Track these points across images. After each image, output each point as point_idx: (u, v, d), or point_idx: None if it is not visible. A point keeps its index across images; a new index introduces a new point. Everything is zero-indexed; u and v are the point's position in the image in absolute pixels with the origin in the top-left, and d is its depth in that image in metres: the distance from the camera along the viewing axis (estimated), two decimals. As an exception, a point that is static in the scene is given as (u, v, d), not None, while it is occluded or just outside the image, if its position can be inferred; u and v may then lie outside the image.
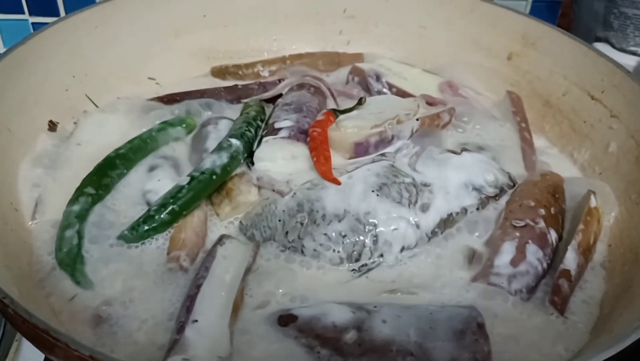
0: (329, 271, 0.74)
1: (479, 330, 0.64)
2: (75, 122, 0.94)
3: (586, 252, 0.76)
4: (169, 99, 0.99)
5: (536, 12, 1.32)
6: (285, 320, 0.67)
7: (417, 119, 0.89)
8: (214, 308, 0.66)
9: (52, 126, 0.91)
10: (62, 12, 1.32)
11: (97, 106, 0.98)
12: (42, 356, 0.74)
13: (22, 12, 1.32)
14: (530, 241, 0.75)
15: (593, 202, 0.80)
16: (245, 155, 0.85)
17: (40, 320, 0.49)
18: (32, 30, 1.34)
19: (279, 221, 0.77)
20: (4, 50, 0.85)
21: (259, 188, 0.82)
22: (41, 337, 0.49)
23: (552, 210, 0.80)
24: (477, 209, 0.81)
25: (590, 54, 0.95)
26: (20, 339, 0.83)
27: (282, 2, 1.15)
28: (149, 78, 1.06)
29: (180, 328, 0.63)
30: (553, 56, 1.01)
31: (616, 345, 0.51)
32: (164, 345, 0.64)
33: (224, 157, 0.81)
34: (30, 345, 0.78)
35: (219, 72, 1.11)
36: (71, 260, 0.71)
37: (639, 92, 0.86)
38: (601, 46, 1.18)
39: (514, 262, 0.73)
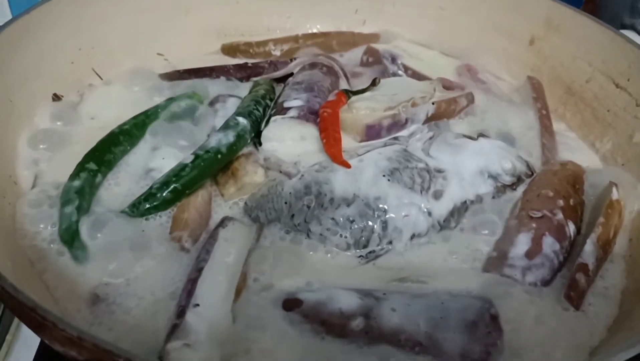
0: (336, 256, 0.71)
1: (492, 322, 0.61)
2: (80, 96, 0.91)
3: (605, 246, 0.72)
4: (177, 76, 0.96)
5: (560, -4, 1.27)
6: (290, 304, 0.64)
7: (433, 103, 0.86)
8: (216, 292, 0.64)
9: (57, 98, 0.89)
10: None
11: (102, 79, 0.95)
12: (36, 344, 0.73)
13: (32, -16, 1.29)
14: (547, 233, 0.71)
15: (615, 194, 0.76)
16: (253, 134, 0.82)
17: (27, 296, 0.47)
18: (41, 3, 1.31)
19: (285, 203, 0.74)
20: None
21: (266, 168, 0.79)
22: (28, 315, 0.47)
23: (571, 201, 0.76)
24: (493, 197, 0.77)
25: (617, 40, 0.91)
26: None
27: (297, -21, 1.12)
28: (158, 54, 1.03)
29: (181, 313, 0.60)
30: (577, 41, 0.97)
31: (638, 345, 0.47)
32: (163, 326, 0.61)
33: (230, 136, 0.78)
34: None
35: (230, 49, 1.08)
36: (70, 237, 0.69)
37: (667, 81, 0.82)
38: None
39: (529, 254, 0.70)
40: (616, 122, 0.90)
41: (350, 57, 1.05)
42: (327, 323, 0.62)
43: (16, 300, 0.47)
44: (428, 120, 0.86)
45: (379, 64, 1.00)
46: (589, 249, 0.69)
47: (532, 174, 0.81)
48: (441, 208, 0.74)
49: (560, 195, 0.76)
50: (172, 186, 0.73)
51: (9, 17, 1.29)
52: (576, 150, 0.92)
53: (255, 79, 0.96)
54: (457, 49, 1.07)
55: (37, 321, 0.46)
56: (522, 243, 0.70)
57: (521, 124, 0.91)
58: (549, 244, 0.70)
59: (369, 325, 0.61)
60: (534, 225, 0.72)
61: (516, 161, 0.80)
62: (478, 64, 1.03)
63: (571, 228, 0.73)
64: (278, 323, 0.63)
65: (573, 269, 0.68)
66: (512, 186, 0.79)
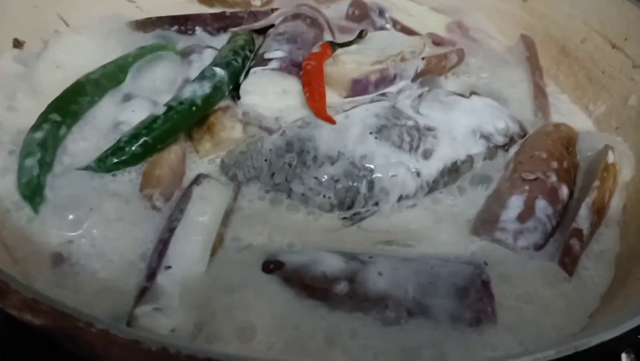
0: (319, 217, 0.67)
1: (484, 288, 0.58)
2: (45, 43, 0.84)
3: (600, 210, 0.69)
4: (149, 24, 0.90)
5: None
6: (271, 266, 0.60)
7: (423, 58, 0.81)
8: (190, 253, 0.59)
9: (18, 44, 0.82)
10: None
11: (68, 25, 0.88)
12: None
13: None
14: (540, 196, 0.68)
15: (611, 157, 0.73)
16: (231, 87, 0.76)
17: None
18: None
19: (265, 160, 0.69)
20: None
21: (245, 124, 0.75)
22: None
23: (565, 164, 0.73)
24: (484, 158, 0.73)
25: (616, -2, 0.87)
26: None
27: None
28: (129, 0, 0.96)
29: (151, 275, 0.56)
30: (573, -1, 0.93)
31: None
32: (133, 289, 0.57)
33: (206, 87, 0.72)
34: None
35: (207, -3, 1.01)
36: (31, 191, 0.64)
37: (667, 41, 0.79)
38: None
39: (522, 218, 0.66)
40: (611, 84, 0.87)
41: (336, 10, 0.99)
42: (310, 287, 0.58)
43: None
44: (417, 76, 0.81)
45: (366, 17, 0.94)
46: (584, 214, 0.67)
47: (525, 134, 0.78)
48: (430, 168, 0.70)
49: (554, 157, 0.72)
50: (142, 140, 0.68)
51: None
52: (568, 113, 0.89)
53: (233, 29, 0.90)
54: (447, 6, 1.03)
55: (-13, 282, 0.41)
56: (515, 205, 0.67)
57: (513, 84, 0.88)
58: (542, 207, 0.67)
59: (354, 290, 0.58)
60: (526, 188, 0.69)
61: (509, 121, 0.76)
62: (470, 21, 0.99)
63: (564, 191, 0.70)
64: (257, 285, 0.59)
65: (567, 235, 0.65)
66: (505, 147, 0.75)
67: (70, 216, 0.63)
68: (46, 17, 0.87)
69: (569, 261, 0.63)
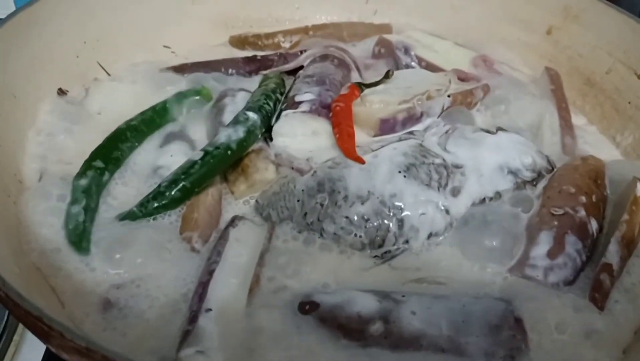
0: (351, 256, 0.69)
1: (517, 325, 0.59)
2: (85, 90, 0.89)
3: (630, 244, 0.70)
4: (185, 69, 0.94)
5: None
6: (307, 307, 0.62)
7: (449, 96, 0.83)
8: (228, 296, 0.62)
9: (62, 93, 0.87)
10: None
11: (108, 74, 0.93)
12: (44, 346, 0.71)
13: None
14: (569, 231, 0.69)
15: (639, 190, 0.73)
16: (263, 130, 0.79)
17: (32, 305, 0.45)
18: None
19: (298, 201, 0.71)
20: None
21: (277, 165, 0.77)
22: (34, 324, 0.45)
23: (594, 198, 0.74)
24: (512, 194, 0.74)
25: (639, 29, 0.88)
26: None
27: (306, -32, 1.09)
28: (164, 46, 1.01)
29: (193, 318, 0.58)
30: (597, 31, 0.94)
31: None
32: (177, 330, 0.59)
33: (240, 132, 0.75)
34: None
35: (238, 41, 1.05)
36: (77, 237, 0.67)
37: (692, 72, 0.79)
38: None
39: (552, 254, 0.67)
40: (638, 115, 0.87)
41: (362, 49, 1.02)
42: (345, 328, 0.60)
43: (22, 309, 0.45)
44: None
45: (392, 55, 0.97)
46: (613, 249, 0.67)
47: (553, 169, 0.79)
48: (459, 206, 0.71)
49: (582, 191, 0.73)
50: (181, 184, 0.70)
51: (12, 9, 1.26)
52: (596, 144, 0.90)
53: (264, 72, 0.93)
54: (471, 40, 1.04)
55: (43, 330, 0.44)
56: (544, 242, 0.68)
57: (539, 117, 0.88)
58: (572, 243, 0.68)
59: (389, 330, 0.59)
60: (555, 223, 0.69)
61: (536, 156, 0.77)
62: (494, 55, 1.01)
63: (594, 225, 0.71)
64: (293, 326, 0.61)
65: (597, 270, 0.66)
66: (532, 182, 0.76)
67: (116, 260, 0.66)
68: (87, 65, 0.92)
69: (599, 297, 0.64)
